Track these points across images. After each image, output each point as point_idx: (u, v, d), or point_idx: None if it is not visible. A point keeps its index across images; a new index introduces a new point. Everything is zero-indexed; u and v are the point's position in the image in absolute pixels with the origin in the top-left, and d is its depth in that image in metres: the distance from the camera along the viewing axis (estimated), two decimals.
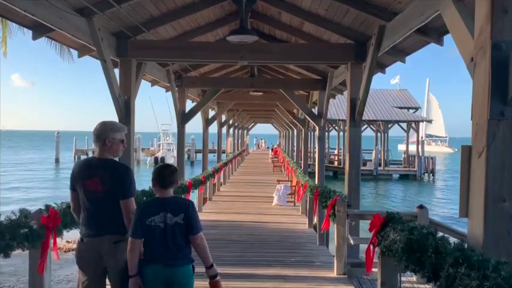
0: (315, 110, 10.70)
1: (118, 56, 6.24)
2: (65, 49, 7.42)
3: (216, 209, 11.96)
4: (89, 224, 3.01)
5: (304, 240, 8.18)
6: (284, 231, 8.98)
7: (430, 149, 70.58)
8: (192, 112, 10.24)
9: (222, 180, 17.41)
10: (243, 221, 10.19)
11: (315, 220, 9.75)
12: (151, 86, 10.33)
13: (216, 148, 18.54)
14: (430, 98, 76.98)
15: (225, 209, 11.96)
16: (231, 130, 25.59)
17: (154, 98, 60.31)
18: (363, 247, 4.72)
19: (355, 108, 6.38)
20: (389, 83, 46.14)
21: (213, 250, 3.06)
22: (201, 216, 11.22)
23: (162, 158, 43.38)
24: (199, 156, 35.47)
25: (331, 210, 5.63)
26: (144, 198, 6.11)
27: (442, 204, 23.68)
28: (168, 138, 48.27)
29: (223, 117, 19.38)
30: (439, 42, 5.14)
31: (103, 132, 3.02)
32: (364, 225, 5.05)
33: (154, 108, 53.91)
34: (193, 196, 11.41)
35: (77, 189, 3.04)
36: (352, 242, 5.43)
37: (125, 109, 6.25)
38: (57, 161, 45.70)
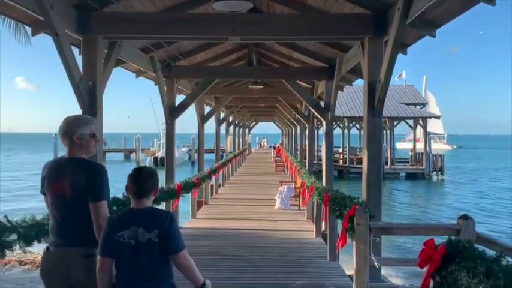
0: (321, 104, 9.45)
1: (79, 32, 5.03)
2: (20, 28, 6.19)
3: (212, 215, 10.75)
4: (56, 233, 2.69)
5: (311, 253, 6.96)
6: (288, 242, 7.77)
7: (432, 146, 69.82)
8: (183, 106, 9.03)
9: (220, 181, 16.22)
10: (241, 229, 8.99)
11: (323, 226, 8.56)
12: (136, 77, 9.10)
13: (218, 147, 17.32)
14: (428, 96, 75.56)
15: (222, 215, 10.75)
16: (231, 128, 24.36)
17: (155, 98, 59.06)
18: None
19: (374, 94, 5.16)
20: (393, 80, 44.82)
21: (200, 270, 2.50)
22: (194, 224, 10.16)
23: (162, 158, 42.02)
24: (205, 156, 34.43)
25: (349, 223, 4.40)
26: (115, 207, 5.00)
27: (460, 205, 22.35)
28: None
29: (222, 114, 18.16)
30: (491, 2, 3.89)
31: (68, 128, 2.68)
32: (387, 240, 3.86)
33: (155, 108, 52.57)
34: (186, 201, 10.24)
35: (46, 192, 2.74)
36: (376, 264, 4.20)
37: (89, 99, 5.04)
38: None
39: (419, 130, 36.54)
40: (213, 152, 30.94)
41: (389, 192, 27.05)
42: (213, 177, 14.10)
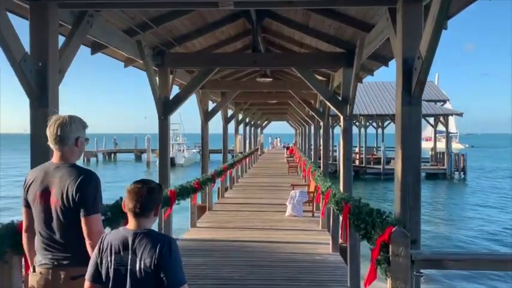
0: (338, 97, 8.17)
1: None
2: None
3: (214, 223, 9.55)
4: (43, 251, 2.37)
5: (328, 275, 5.70)
6: (299, 260, 6.51)
7: (442, 145, 68.05)
8: (177, 100, 7.84)
9: (228, 184, 15.04)
10: (245, 241, 7.78)
11: (341, 237, 7.29)
12: (125, 66, 7.97)
13: (226, 147, 16.11)
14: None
15: (225, 223, 9.54)
16: (241, 127, 23.16)
17: None
18: None
19: (411, 75, 3.89)
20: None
21: None
22: (192, 235, 8.79)
23: (172, 159, 41.21)
24: (214, 156, 33.35)
25: (381, 252, 3.14)
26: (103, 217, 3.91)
27: (493, 213, 20.73)
28: (178, 138, 46.15)
29: (230, 112, 16.97)
30: None
31: (74, 130, 2.38)
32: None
33: None
34: (184, 208, 9.08)
35: (30, 204, 2.41)
36: None
37: (38, 84, 3.89)
38: None
39: (432, 128, 34.74)
40: (219, 153, 29.99)
41: None
42: (219, 180, 12.99)
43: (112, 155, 54.42)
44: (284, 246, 7.46)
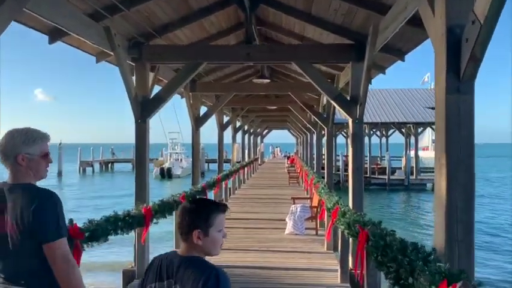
0: (346, 97, 6.98)
1: None
2: None
3: None
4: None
5: None
6: None
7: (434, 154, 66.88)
8: (158, 100, 6.67)
9: (223, 196, 13.82)
10: (238, 267, 6.58)
11: (350, 263, 6.11)
12: (97, 61, 6.80)
13: (221, 156, 14.93)
14: None
15: None
16: (239, 135, 22.02)
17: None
18: None
19: (459, 49, 2.73)
20: (418, 84, 41.91)
21: None
22: None
23: (169, 169, 40.05)
24: (213, 166, 31.89)
25: None
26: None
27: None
28: (176, 147, 44.96)
29: (226, 118, 15.83)
30: None
31: (12, 146, 2.10)
32: None
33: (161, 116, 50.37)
34: (166, 226, 7.92)
35: None
36: None
37: None
38: (59, 174, 42.83)
39: (429, 137, 33.46)
40: (226, 162, 28.73)
41: (420, 207, 24.27)
42: (212, 193, 11.80)
43: (109, 165, 53.23)
44: (283, 274, 6.25)
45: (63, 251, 2.05)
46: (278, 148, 57.41)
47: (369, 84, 6.49)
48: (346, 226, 4.61)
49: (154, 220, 6.27)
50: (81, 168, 46.93)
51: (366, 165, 31.54)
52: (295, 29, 7.74)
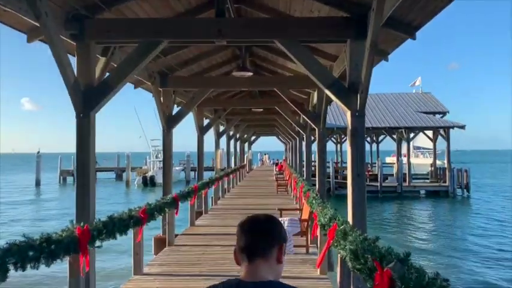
0: (344, 84, 5.61)
1: None
2: None
3: (172, 266, 6.86)
4: None
5: None
6: None
7: (418, 161, 66.63)
8: (105, 89, 5.25)
9: (202, 208, 12.35)
10: None
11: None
12: (28, 41, 5.35)
13: (201, 162, 13.48)
14: None
15: (188, 266, 6.86)
16: (223, 140, 20.57)
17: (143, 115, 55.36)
18: None
19: None
20: (407, 87, 40.98)
21: None
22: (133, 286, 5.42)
23: (152, 177, 38.32)
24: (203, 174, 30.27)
25: None
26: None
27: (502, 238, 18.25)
28: (159, 155, 43.26)
29: (206, 121, 14.41)
30: None
31: None
32: None
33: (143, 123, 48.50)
34: (125, 243, 6.47)
35: None
36: None
37: None
38: (37, 183, 40.82)
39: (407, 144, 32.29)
40: (208, 170, 27.17)
41: (414, 214, 23.00)
42: (189, 204, 10.36)
43: None
44: None
45: None
46: (267, 155, 55.92)
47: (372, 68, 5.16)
48: (351, 254, 3.22)
49: (98, 243, 4.86)
50: (61, 178, 44.86)
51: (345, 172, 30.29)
52: (280, 6, 6.41)
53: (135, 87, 9.24)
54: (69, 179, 45.71)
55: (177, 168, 46.56)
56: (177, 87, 9.17)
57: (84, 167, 5.21)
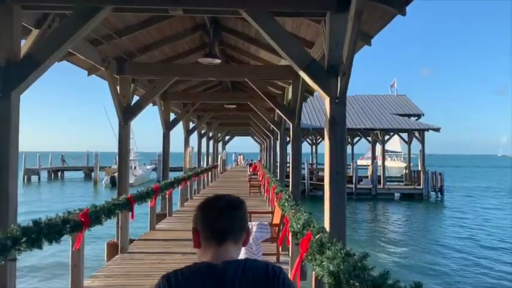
0: (322, 64, 4.77)
1: None
2: None
3: (120, 278, 5.88)
4: None
5: None
6: None
7: (390, 164, 67.25)
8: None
9: (166, 210, 11.36)
10: None
11: None
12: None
13: (167, 159, 12.48)
14: None
15: (140, 278, 5.90)
16: (194, 138, 19.55)
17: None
18: None
19: None
20: (385, 89, 40.89)
21: None
22: None
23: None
24: (173, 174, 28.92)
25: None
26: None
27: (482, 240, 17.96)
28: (130, 154, 41.70)
29: (172, 116, 13.40)
30: None
31: None
32: None
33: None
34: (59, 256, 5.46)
35: None
36: None
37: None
38: None
39: (378, 147, 32.17)
40: (179, 171, 26.06)
41: (389, 216, 22.57)
42: (149, 205, 9.39)
43: (59, 173, 49.04)
44: None
45: None
46: (241, 156, 54.93)
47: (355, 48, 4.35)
48: (331, 278, 2.37)
49: (17, 255, 3.90)
50: (25, 177, 42.65)
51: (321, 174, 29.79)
52: None
53: (88, 74, 8.19)
54: (34, 178, 43.68)
55: (148, 167, 45.09)
56: (135, 74, 8.18)
57: (1, 162, 4.18)
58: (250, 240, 6.55)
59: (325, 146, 4.55)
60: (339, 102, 4.39)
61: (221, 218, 1.34)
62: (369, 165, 32.14)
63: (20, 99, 4.32)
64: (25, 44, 4.71)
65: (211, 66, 8.18)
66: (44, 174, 46.28)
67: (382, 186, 29.65)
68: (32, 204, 24.22)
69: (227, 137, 38.30)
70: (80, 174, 49.51)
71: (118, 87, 7.95)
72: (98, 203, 6.01)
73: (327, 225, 4.32)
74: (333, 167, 4.39)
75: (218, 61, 7.86)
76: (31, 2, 4.35)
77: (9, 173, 4.21)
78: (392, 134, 30.89)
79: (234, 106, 14.78)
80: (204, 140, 22.52)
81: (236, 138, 44.99)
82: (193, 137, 19.01)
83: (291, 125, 8.63)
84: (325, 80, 4.42)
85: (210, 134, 25.23)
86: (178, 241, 8.31)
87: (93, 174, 43.45)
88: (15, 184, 4.34)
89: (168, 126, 12.15)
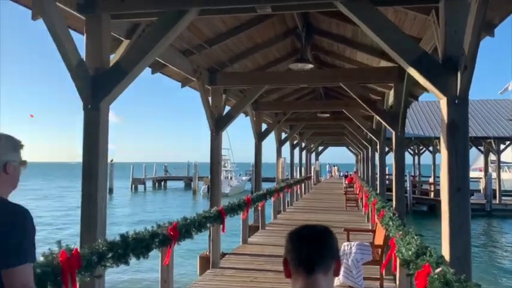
0: (436, 54, 4.00)
1: None
2: None
3: None
4: None
5: None
6: None
7: (504, 176, 59.21)
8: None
9: (259, 222, 11.06)
10: None
11: None
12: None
13: (259, 170, 12.26)
14: None
15: None
16: (286, 149, 19.17)
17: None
18: None
19: None
20: (496, 94, 36.72)
21: None
22: None
23: None
24: (266, 185, 29.06)
25: None
26: None
27: None
28: (226, 164, 42.77)
29: (264, 127, 13.16)
30: None
31: (1, 152, 1.85)
32: None
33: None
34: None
35: None
36: None
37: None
38: (110, 191, 42.25)
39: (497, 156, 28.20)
40: (271, 181, 25.91)
41: (508, 237, 19.78)
42: (241, 217, 9.16)
43: (162, 183, 52.31)
44: None
45: (23, 279, 1.76)
46: (336, 167, 53.28)
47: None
48: None
49: (98, 271, 3.75)
50: (133, 186, 46.22)
51: (438, 187, 27.28)
52: None
53: (182, 86, 8.24)
54: (141, 187, 47.07)
55: (243, 178, 45.94)
56: (227, 84, 8.02)
57: (90, 172, 4.12)
58: (349, 263, 5.88)
59: (442, 158, 3.76)
60: (459, 103, 3.60)
61: (309, 247, 1.34)
62: (480, 178, 28.95)
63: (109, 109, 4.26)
64: (115, 55, 4.68)
65: (303, 72, 7.70)
66: (149, 184, 49.69)
67: (498, 202, 26.40)
68: (137, 214, 25.91)
69: (320, 148, 37.44)
70: (181, 184, 52.16)
71: (210, 98, 7.85)
72: (195, 212, 5.93)
73: (445, 252, 3.53)
74: (453, 182, 3.59)
75: (310, 66, 7.35)
76: (119, 11, 4.27)
77: (98, 184, 4.12)
78: (509, 142, 27.43)
79: (328, 115, 14.12)
80: (296, 151, 22.05)
81: (330, 149, 43.84)
82: (286, 148, 18.69)
83: (393, 133, 7.75)
84: (440, 76, 3.66)
85: (303, 145, 24.69)
86: (271, 257, 7.86)
87: (192, 184, 45.49)
88: (104, 195, 4.26)
89: (260, 136, 11.92)
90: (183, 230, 5.41)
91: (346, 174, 33.22)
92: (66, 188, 49.50)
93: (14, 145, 1.89)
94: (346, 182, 24.66)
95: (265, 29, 7.24)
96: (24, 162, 1.94)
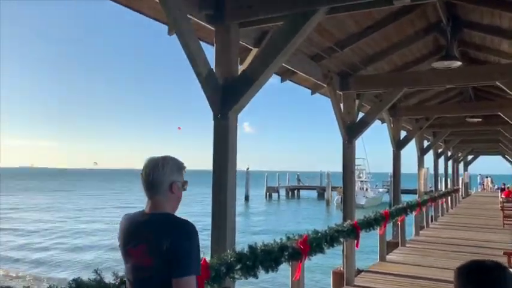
0: None
1: None
2: None
3: None
4: None
5: None
6: None
7: None
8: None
9: (399, 239, 10.16)
10: None
11: None
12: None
13: (398, 182, 11.35)
14: None
15: None
16: (430, 158, 17.40)
17: None
18: None
19: None
20: None
21: None
22: None
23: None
24: (406, 197, 27.10)
25: None
26: None
27: None
28: (361, 174, 41.17)
29: (403, 134, 12.12)
30: None
31: (168, 173, 2.03)
32: None
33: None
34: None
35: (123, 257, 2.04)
36: None
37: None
38: (246, 198, 44.29)
39: None
40: (413, 193, 23.98)
41: None
42: (378, 232, 8.48)
43: (295, 191, 53.03)
44: None
45: None
46: (489, 178, 47.01)
47: None
48: None
49: (227, 282, 3.68)
50: (267, 194, 47.81)
51: None
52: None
53: (312, 93, 8.02)
54: (275, 196, 48.41)
55: (380, 189, 43.75)
56: (360, 89, 7.54)
57: (220, 181, 4.12)
58: None
59: None
60: None
61: None
62: None
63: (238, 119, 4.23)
64: (244, 64, 4.66)
65: (448, 72, 6.79)
66: (282, 192, 50.83)
67: None
68: (273, 222, 26.50)
69: (470, 157, 33.47)
70: (314, 193, 52.12)
71: (341, 104, 7.47)
72: (328, 223, 5.64)
73: None
74: None
75: (458, 63, 6.42)
76: (246, 18, 4.22)
77: (227, 193, 4.11)
78: None
79: (479, 119, 12.39)
80: (441, 160, 19.97)
81: (481, 158, 38.92)
82: (429, 157, 17.03)
83: None
84: None
85: (449, 153, 22.28)
86: (413, 278, 7.05)
87: (325, 194, 45.02)
88: (233, 204, 4.23)
89: (398, 144, 11.01)
90: (314, 244, 5.13)
91: (503, 187, 28.99)
92: (203, 194, 53.65)
93: (179, 167, 2.07)
94: (503, 196, 21.46)
95: (403, 26, 6.57)
96: (185, 183, 2.09)
